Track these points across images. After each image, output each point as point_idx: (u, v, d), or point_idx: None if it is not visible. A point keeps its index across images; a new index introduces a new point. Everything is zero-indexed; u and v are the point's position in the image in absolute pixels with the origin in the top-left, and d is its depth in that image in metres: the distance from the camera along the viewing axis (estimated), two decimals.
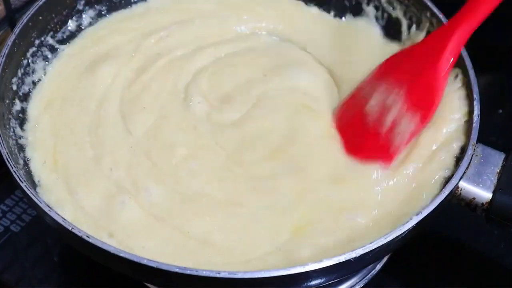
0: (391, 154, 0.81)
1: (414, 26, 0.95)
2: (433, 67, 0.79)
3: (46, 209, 0.71)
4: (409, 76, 0.81)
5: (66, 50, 0.96)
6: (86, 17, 0.99)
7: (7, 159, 0.75)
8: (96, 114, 0.89)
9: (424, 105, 0.79)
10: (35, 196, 0.72)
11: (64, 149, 0.85)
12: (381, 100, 0.82)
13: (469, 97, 0.83)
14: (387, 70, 0.84)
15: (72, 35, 0.98)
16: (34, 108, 0.89)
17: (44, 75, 0.93)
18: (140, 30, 0.99)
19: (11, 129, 0.84)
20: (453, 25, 0.80)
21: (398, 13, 0.98)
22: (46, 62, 0.94)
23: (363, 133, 0.84)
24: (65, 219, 0.69)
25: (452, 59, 0.79)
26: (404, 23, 0.97)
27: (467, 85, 0.84)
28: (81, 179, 0.82)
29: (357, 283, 0.89)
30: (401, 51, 0.87)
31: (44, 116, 0.88)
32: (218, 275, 0.65)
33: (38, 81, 0.92)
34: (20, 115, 0.88)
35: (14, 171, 0.74)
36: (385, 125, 0.81)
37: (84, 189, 0.81)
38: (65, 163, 0.84)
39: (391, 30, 0.99)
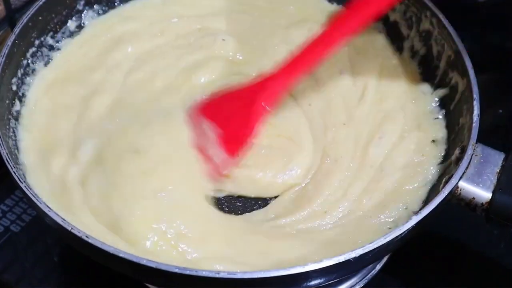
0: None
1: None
2: (247, 113, 0.84)
3: (46, 209, 0.71)
4: (226, 116, 0.86)
5: (75, 38, 0.98)
6: (86, 17, 1.00)
7: (6, 159, 0.75)
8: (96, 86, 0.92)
9: (236, 142, 0.84)
10: (35, 196, 0.72)
11: (55, 123, 0.87)
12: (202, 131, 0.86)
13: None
14: (209, 109, 0.88)
15: (75, 33, 0.99)
16: (34, 91, 0.91)
17: (51, 59, 0.95)
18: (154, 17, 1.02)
19: (11, 130, 0.84)
20: (266, 81, 0.85)
21: (396, 14, 0.98)
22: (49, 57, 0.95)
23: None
24: (64, 220, 0.69)
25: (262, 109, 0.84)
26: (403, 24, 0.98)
27: (467, 85, 0.84)
28: (58, 150, 0.84)
29: (357, 283, 0.89)
30: (222, 94, 0.89)
31: (43, 98, 0.90)
32: (217, 275, 0.65)
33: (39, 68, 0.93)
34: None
35: (14, 171, 0.74)
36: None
37: (54, 159, 0.83)
38: (52, 136, 0.86)
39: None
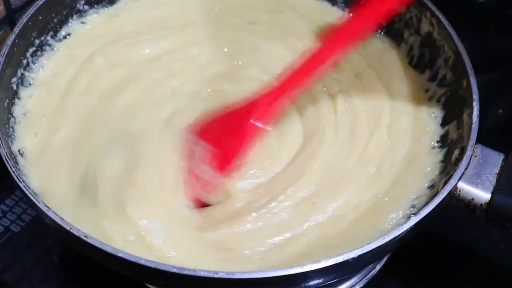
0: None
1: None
2: (238, 131, 0.83)
3: (45, 209, 0.71)
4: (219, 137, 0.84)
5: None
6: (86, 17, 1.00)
7: (6, 159, 0.75)
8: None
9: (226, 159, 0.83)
10: (34, 196, 0.72)
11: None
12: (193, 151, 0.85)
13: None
14: (204, 130, 0.86)
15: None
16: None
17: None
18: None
19: (11, 129, 0.84)
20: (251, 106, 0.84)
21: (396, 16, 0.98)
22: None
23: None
24: (63, 219, 0.70)
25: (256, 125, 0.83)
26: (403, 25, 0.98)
27: (467, 85, 0.84)
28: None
29: (357, 283, 0.89)
30: (216, 115, 0.87)
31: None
32: (215, 276, 0.65)
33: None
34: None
35: (13, 171, 0.74)
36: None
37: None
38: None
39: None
